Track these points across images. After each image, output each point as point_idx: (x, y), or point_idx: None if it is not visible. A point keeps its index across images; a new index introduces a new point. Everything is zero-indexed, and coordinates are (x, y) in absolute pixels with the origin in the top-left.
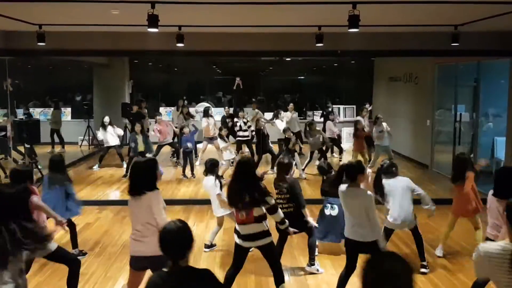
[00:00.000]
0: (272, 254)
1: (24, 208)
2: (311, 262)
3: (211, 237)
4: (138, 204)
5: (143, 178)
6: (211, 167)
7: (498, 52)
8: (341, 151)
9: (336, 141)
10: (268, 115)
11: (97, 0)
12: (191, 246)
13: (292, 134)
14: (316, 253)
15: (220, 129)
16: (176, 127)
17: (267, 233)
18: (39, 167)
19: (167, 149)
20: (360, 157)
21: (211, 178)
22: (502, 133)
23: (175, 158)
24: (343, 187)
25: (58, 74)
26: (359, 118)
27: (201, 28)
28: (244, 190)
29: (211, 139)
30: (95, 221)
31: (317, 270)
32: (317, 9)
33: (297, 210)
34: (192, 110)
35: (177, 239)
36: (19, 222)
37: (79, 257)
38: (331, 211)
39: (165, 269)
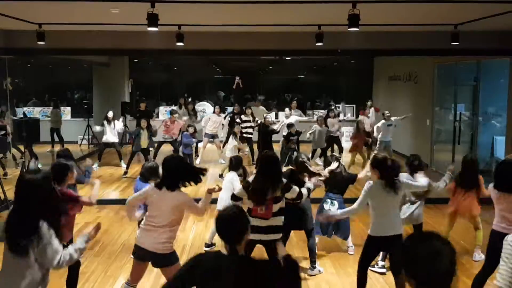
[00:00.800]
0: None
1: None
2: (313, 265)
3: (211, 236)
4: (164, 197)
5: (178, 174)
6: (237, 164)
7: (497, 51)
8: (341, 150)
9: (337, 140)
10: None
11: None
12: (247, 230)
13: (296, 130)
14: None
15: (231, 126)
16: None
17: (281, 229)
18: (39, 166)
19: (167, 148)
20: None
21: (231, 174)
22: (501, 132)
23: None
24: (378, 183)
25: (58, 73)
26: (360, 118)
27: (201, 27)
28: (268, 187)
29: (212, 136)
30: (94, 220)
31: (319, 271)
32: (317, 8)
33: (298, 206)
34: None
35: (232, 224)
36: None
37: None
38: (331, 206)
39: (223, 253)
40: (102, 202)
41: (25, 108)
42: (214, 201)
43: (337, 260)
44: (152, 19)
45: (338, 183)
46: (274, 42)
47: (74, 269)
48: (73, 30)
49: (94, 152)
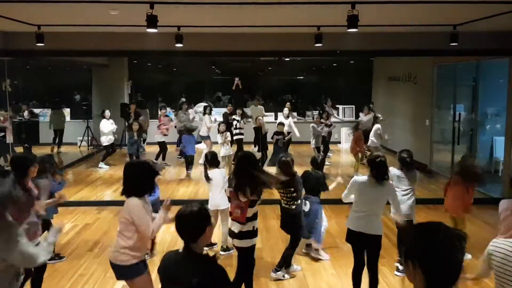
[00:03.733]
0: (248, 260)
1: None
2: (278, 268)
3: (224, 239)
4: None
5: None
6: (213, 159)
7: (496, 52)
8: (325, 151)
9: (324, 140)
10: (268, 115)
11: (96, 0)
12: (202, 231)
13: (284, 129)
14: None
15: (219, 125)
16: (175, 127)
17: (253, 234)
18: None
19: (171, 148)
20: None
21: (217, 170)
22: (501, 133)
23: (181, 158)
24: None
25: (57, 75)
26: (360, 119)
27: (200, 29)
28: (246, 185)
29: (208, 137)
30: (94, 222)
31: (283, 276)
32: (316, 9)
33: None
34: (191, 111)
35: (188, 222)
36: None
37: (55, 261)
38: (304, 207)
39: (180, 250)
40: (101, 203)
41: (38, 110)
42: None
43: (337, 260)
44: (151, 20)
45: (310, 185)
46: (273, 43)
47: (39, 271)
48: (72, 31)
49: (94, 153)
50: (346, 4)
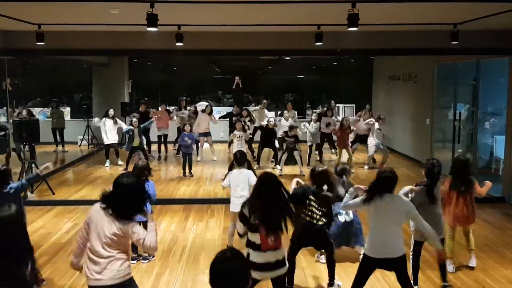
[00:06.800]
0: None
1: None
2: (331, 281)
3: (230, 239)
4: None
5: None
6: (242, 158)
7: (497, 51)
8: (331, 146)
9: (328, 136)
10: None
11: None
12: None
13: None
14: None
15: (232, 126)
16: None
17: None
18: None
19: (170, 147)
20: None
21: (245, 170)
22: (501, 132)
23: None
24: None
25: (58, 74)
26: (355, 116)
27: (200, 27)
28: (276, 211)
29: (205, 134)
30: None
31: (338, 286)
32: (316, 7)
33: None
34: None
35: (231, 283)
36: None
37: None
38: (346, 216)
39: None
40: None
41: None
42: (217, 201)
43: (338, 260)
44: (152, 19)
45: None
46: (273, 42)
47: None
48: (73, 30)
49: (94, 152)
50: (347, 3)
